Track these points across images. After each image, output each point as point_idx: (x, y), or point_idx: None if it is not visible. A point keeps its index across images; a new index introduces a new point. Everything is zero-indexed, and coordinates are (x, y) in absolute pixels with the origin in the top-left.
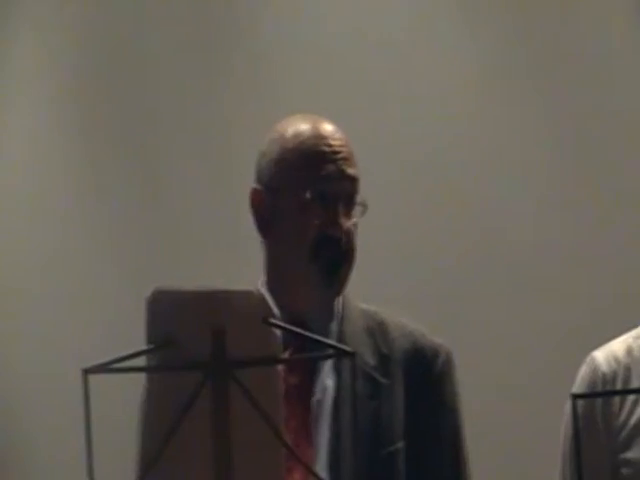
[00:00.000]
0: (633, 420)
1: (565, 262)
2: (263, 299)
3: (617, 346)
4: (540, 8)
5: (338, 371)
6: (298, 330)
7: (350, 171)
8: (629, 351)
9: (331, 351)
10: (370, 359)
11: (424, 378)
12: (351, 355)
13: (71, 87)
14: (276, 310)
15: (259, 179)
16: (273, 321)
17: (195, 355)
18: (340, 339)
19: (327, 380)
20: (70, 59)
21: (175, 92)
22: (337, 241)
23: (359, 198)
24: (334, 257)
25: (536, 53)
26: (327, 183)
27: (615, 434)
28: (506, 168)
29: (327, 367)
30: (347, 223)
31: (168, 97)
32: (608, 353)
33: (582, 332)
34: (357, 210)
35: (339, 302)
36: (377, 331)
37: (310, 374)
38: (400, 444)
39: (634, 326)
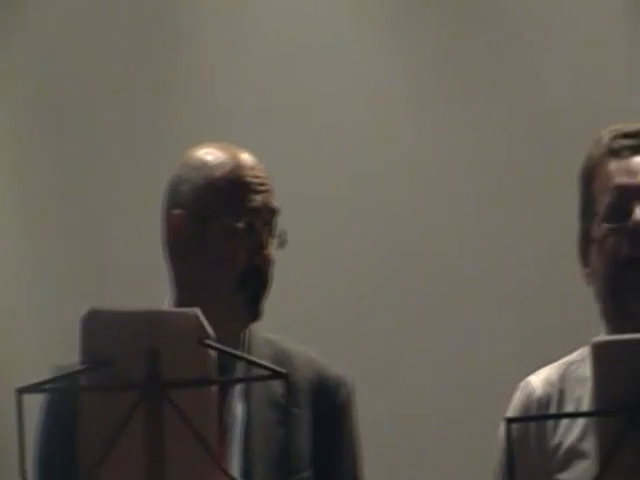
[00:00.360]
0: (568, 441)
1: (496, 289)
2: (199, 320)
3: (551, 371)
4: (469, 27)
5: (247, 398)
6: (233, 352)
7: (274, 203)
8: (563, 376)
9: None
10: (278, 387)
11: (328, 409)
12: (284, 376)
13: (7, 106)
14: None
15: (178, 204)
16: (208, 342)
17: (130, 375)
18: (247, 367)
19: (237, 405)
20: (10, 85)
21: (114, 112)
22: (262, 272)
23: (279, 229)
24: (259, 288)
25: (468, 71)
26: (256, 214)
27: (550, 455)
28: (435, 191)
29: (236, 392)
30: (270, 254)
31: (105, 118)
32: (543, 378)
33: (512, 360)
34: (276, 241)
35: (245, 330)
36: (282, 360)
37: (221, 397)
38: (306, 473)
39: (566, 353)
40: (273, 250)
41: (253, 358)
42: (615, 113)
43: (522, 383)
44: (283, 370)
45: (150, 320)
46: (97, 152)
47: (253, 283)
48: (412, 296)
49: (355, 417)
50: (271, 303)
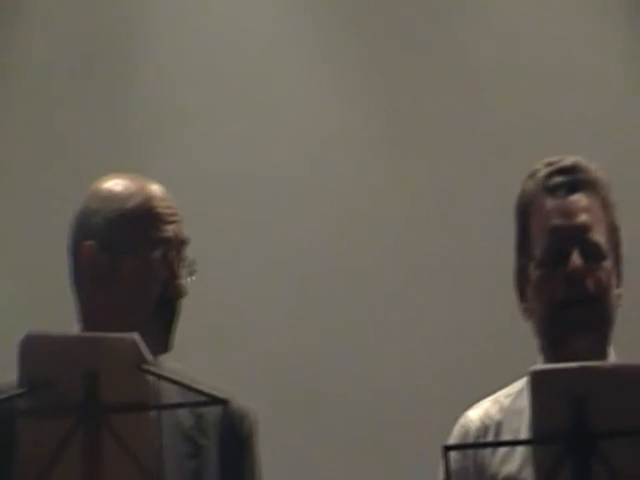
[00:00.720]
0: (506, 472)
1: (430, 327)
2: (137, 345)
3: (489, 404)
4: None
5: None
6: (170, 377)
7: (184, 233)
8: (500, 408)
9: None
10: (187, 419)
11: (234, 441)
12: (224, 402)
13: None
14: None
15: (89, 235)
16: (146, 367)
17: (69, 399)
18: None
19: None
20: None
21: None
22: (175, 303)
23: (188, 259)
24: (171, 319)
25: (394, 86)
26: (168, 244)
27: None
28: (362, 218)
29: None
30: (183, 284)
31: (57, 133)
32: (480, 411)
33: (444, 392)
34: (185, 271)
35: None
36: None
37: None
38: None
39: (504, 384)
40: (184, 280)
41: (191, 384)
42: (562, 137)
43: (461, 418)
44: (222, 396)
45: (88, 344)
46: (47, 172)
47: (166, 314)
48: (336, 323)
49: (257, 449)
50: (183, 332)
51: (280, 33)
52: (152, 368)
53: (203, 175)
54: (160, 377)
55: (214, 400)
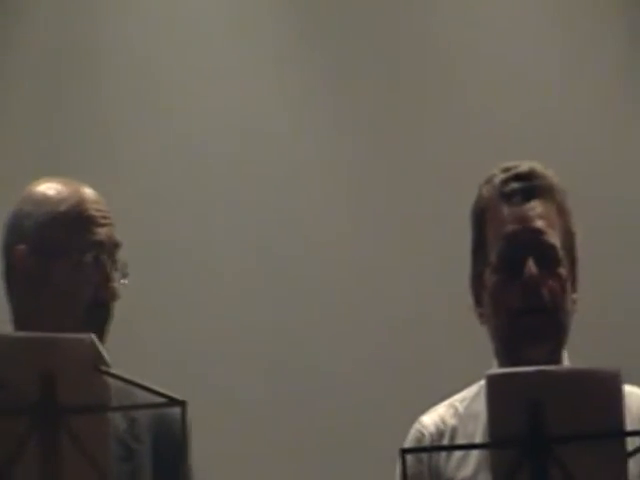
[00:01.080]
0: (461, 476)
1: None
2: (95, 346)
3: (443, 409)
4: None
5: None
6: (128, 379)
7: (117, 236)
8: (455, 413)
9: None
10: (121, 422)
11: (166, 445)
12: (182, 404)
13: None
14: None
15: (21, 239)
16: (104, 368)
17: (26, 400)
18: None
19: None
20: None
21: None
22: (108, 306)
23: (121, 263)
24: (104, 322)
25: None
26: (101, 247)
27: None
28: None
29: None
30: (115, 287)
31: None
32: (435, 416)
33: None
34: (119, 275)
35: None
36: (124, 395)
37: None
38: None
39: (459, 389)
40: (117, 284)
41: (148, 385)
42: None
43: (415, 423)
44: (180, 398)
45: (45, 344)
46: None
47: (99, 317)
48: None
49: (191, 454)
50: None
51: (241, 34)
52: (110, 369)
53: (169, 173)
54: (118, 378)
55: (172, 401)
